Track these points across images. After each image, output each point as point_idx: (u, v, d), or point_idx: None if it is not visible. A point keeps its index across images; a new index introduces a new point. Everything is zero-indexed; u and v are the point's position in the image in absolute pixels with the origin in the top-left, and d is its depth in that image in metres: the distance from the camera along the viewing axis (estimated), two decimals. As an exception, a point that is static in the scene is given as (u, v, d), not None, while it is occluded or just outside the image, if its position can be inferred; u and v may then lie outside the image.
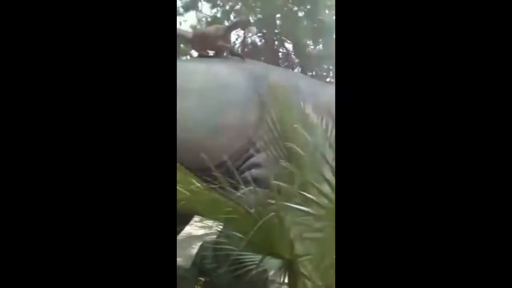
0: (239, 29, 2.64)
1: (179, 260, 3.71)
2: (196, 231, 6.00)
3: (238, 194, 1.15)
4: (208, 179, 1.16)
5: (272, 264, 1.25)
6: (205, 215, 1.13)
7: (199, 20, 7.54)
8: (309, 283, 1.15)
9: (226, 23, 5.97)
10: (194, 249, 4.72)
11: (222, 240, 1.40)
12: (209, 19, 6.72)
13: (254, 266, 1.22)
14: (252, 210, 1.09)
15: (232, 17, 7.21)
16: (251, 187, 1.16)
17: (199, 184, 1.13)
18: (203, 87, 2.10)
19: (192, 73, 2.22)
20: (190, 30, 5.46)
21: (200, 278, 2.71)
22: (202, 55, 2.48)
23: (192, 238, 5.17)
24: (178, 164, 1.15)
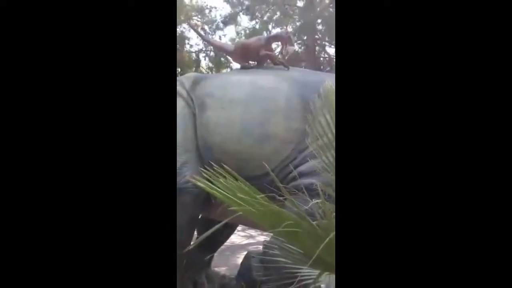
0: (279, 42, 2.61)
1: (223, 269, 3.74)
2: (239, 240, 6.02)
3: (303, 206, 1.10)
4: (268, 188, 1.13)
5: (329, 280, 1.17)
6: (264, 226, 1.10)
7: (238, 33, 7.78)
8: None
9: (265, 34, 6.06)
10: (238, 259, 4.72)
11: (275, 252, 1.35)
12: (247, 31, 6.89)
13: (311, 280, 1.15)
14: (315, 223, 1.04)
15: (270, 27, 7.31)
16: (318, 200, 1.10)
17: (258, 196, 1.10)
18: (249, 97, 2.11)
19: (237, 84, 2.25)
20: (230, 43, 5.63)
21: (247, 290, 2.68)
22: (245, 67, 2.50)
23: (235, 247, 5.19)
24: (234, 173, 1.15)
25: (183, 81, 2.50)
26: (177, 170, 2.05)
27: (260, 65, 2.51)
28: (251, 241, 6.55)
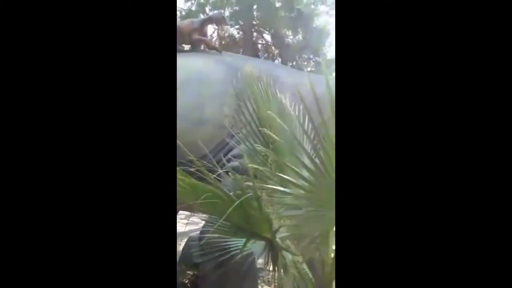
0: (213, 24, 2.59)
1: (166, 256, 3.72)
2: (182, 228, 6.00)
3: (214, 176, 1.18)
4: (191, 169, 1.18)
5: (256, 247, 1.29)
6: (186, 200, 1.15)
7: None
8: (289, 256, 1.20)
9: (202, 16, 5.89)
10: (181, 246, 4.74)
11: (207, 228, 1.42)
12: (183, 13, 6.61)
13: (238, 250, 1.25)
14: (231, 193, 1.12)
15: (207, 9, 7.11)
16: (229, 173, 1.18)
17: (179, 172, 1.15)
18: (181, 81, 2.08)
19: None
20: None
21: (189, 272, 2.73)
22: (178, 50, 2.45)
23: (178, 234, 5.17)
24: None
25: None
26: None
27: (193, 48, 2.48)
28: (194, 227, 6.56)
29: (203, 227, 1.77)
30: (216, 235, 1.27)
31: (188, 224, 6.00)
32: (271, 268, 1.25)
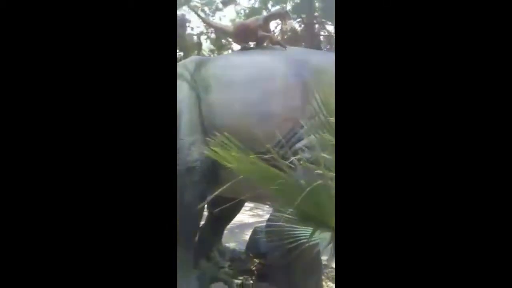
0: (277, 19, 2.62)
1: (233, 244, 3.95)
2: (247, 219, 6.24)
3: (287, 163, 1.22)
4: (264, 157, 1.24)
5: (323, 237, 1.30)
6: (262, 185, 1.21)
7: (237, 13, 7.67)
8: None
9: (265, 13, 5.98)
10: (246, 235, 4.94)
11: (274, 217, 1.47)
12: (247, 11, 6.79)
13: (305, 239, 1.28)
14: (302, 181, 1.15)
15: (270, 5, 7.18)
16: (301, 161, 1.21)
17: (253, 156, 1.19)
18: (249, 77, 2.18)
19: (238, 65, 2.32)
20: (230, 24, 5.58)
21: (255, 260, 2.86)
22: (244, 48, 2.55)
23: (243, 225, 5.41)
24: (233, 141, 1.25)
25: (187, 65, 2.57)
26: (187, 150, 2.16)
27: (259, 45, 2.55)
28: (258, 219, 6.78)
29: (270, 215, 1.83)
30: (284, 223, 1.32)
31: (252, 216, 6.21)
32: (334, 265, 1.24)
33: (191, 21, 6.62)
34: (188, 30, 6.91)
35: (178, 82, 2.49)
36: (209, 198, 1.42)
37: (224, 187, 1.28)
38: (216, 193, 1.33)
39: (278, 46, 2.44)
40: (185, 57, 6.23)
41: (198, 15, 4.08)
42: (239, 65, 2.32)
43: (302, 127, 1.95)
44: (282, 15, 2.58)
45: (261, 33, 2.43)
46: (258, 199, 2.31)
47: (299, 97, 2.01)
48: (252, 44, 2.60)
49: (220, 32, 2.96)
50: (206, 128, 2.25)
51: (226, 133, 1.24)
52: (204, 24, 6.76)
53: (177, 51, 7.11)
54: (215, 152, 1.20)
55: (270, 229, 1.42)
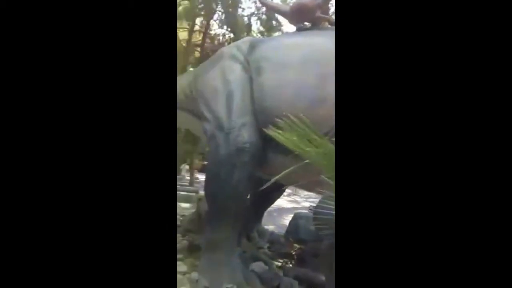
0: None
1: (271, 227, 4.01)
2: (286, 204, 6.28)
3: None
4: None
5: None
6: (320, 166, 1.18)
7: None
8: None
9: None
10: (285, 219, 4.98)
11: (324, 204, 1.44)
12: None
13: None
14: None
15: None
16: None
17: (317, 137, 1.18)
18: (303, 60, 2.11)
19: (292, 47, 2.25)
20: (274, 2, 5.41)
21: (295, 245, 2.87)
22: (300, 28, 2.46)
23: (282, 209, 5.46)
24: (298, 118, 1.19)
25: (240, 46, 2.56)
26: (237, 132, 2.19)
27: (315, 26, 2.44)
28: (296, 205, 6.80)
29: (319, 202, 1.80)
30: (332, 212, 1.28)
31: (290, 201, 6.22)
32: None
33: (243, 2, 6.56)
34: (239, 11, 6.87)
35: (231, 63, 2.50)
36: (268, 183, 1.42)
37: (284, 173, 1.27)
38: (276, 178, 1.33)
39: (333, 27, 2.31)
40: (235, 38, 6.24)
41: None
42: (293, 46, 2.25)
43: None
44: None
45: (319, 13, 2.32)
46: (307, 186, 2.28)
47: None
48: (307, 24, 2.50)
49: (276, 11, 2.88)
50: (257, 110, 2.24)
51: (294, 117, 1.20)
52: (256, 6, 6.66)
53: (228, 31, 7.14)
54: (280, 134, 1.18)
55: (319, 216, 1.39)
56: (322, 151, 1.13)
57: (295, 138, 1.15)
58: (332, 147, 1.08)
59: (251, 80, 2.35)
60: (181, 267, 2.42)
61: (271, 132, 1.22)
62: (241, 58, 2.47)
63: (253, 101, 2.28)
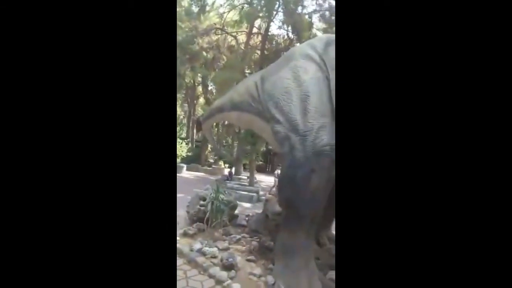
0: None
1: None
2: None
3: None
4: None
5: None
6: None
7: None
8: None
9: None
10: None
11: None
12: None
13: None
14: None
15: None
16: None
17: None
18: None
19: None
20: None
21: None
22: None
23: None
24: None
25: (315, 44, 2.46)
26: (315, 134, 2.10)
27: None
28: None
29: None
30: None
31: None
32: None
33: (304, 0, 6.43)
34: (299, 10, 6.75)
35: (304, 62, 2.42)
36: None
37: None
38: None
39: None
40: (298, 37, 6.15)
41: None
42: None
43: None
44: None
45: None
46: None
47: None
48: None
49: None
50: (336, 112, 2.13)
51: None
52: (317, 2, 6.48)
53: (290, 32, 7.08)
54: None
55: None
56: None
57: None
58: None
59: (328, 80, 2.24)
60: (254, 269, 2.43)
61: None
62: (316, 57, 2.37)
63: (331, 102, 2.17)
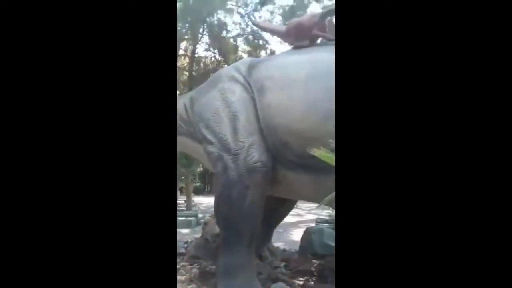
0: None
1: (280, 244, 3.94)
2: (289, 219, 6.21)
3: None
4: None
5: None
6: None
7: (272, 13, 7.68)
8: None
9: (307, 11, 5.88)
10: (292, 235, 4.91)
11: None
12: (286, 9, 6.75)
13: None
14: None
15: (306, 1, 7.10)
16: None
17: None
18: (309, 76, 2.15)
19: (295, 64, 2.30)
20: (266, 23, 5.57)
21: (314, 261, 2.82)
22: (298, 46, 2.52)
23: (286, 225, 5.39)
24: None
25: (239, 67, 2.59)
26: (246, 152, 2.18)
27: (312, 43, 2.51)
28: (300, 219, 6.73)
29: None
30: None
31: (293, 215, 6.15)
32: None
33: (228, 24, 6.75)
34: (224, 33, 7.02)
35: (231, 84, 2.52)
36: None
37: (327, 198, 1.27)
38: (325, 201, 1.32)
39: (333, 42, 2.38)
40: (225, 60, 6.34)
41: (256, 24, 4.09)
42: (296, 64, 2.30)
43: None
44: None
45: (316, 31, 2.39)
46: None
47: None
48: (306, 42, 2.55)
49: (272, 33, 2.95)
50: (264, 129, 2.25)
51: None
52: (241, 27, 6.85)
53: (216, 54, 7.27)
54: (324, 156, 1.20)
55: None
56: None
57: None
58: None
59: (253, 100, 2.36)
60: (197, 297, 2.33)
61: (317, 152, 1.23)
62: (241, 79, 2.49)
63: (258, 121, 2.28)
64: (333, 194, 1.24)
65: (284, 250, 3.40)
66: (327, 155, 1.19)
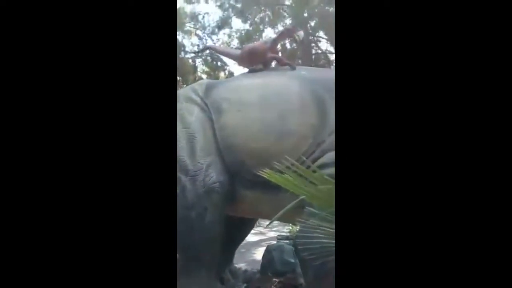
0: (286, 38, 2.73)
1: (242, 265, 3.89)
2: (251, 238, 6.15)
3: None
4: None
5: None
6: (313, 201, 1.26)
7: (229, 36, 7.92)
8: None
9: (262, 36, 6.15)
10: (254, 254, 4.87)
11: (303, 234, 1.48)
12: (242, 34, 7.01)
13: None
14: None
15: (262, 27, 7.46)
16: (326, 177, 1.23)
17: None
18: (262, 99, 2.25)
19: (249, 87, 2.39)
20: (223, 46, 5.74)
21: (275, 279, 2.82)
22: (253, 70, 2.64)
23: (248, 244, 5.34)
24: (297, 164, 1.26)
25: (196, 88, 2.62)
26: (204, 173, 2.18)
27: (266, 67, 2.64)
28: (262, 237, 6.69)
29: (299, 232, 1.83)
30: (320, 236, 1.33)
31: (255, 234, 6.12)
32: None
33: (186, 46, 6.81)
34: (182, 54, 7.06)
35: (188, 105, 2.53)
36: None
37: (283, 211, 1.30)
38: (276, 218, 1.34)
39: (286, 67, 2.54)
40: (184, 80, 6.34)
41: (213, 48, 4.16)
42: (252, 87, 2.39)
43: (320, 144, 2.02)
44: (290, 32, 2.68)
45: (270, 55, 2.53)
46: (283, 218, 2.31)
47: (316, 115, 2.08)
48: (260, 66, 2.68)
49: (227, 56, 3.05)
50: (221, 149, 2.28)
51: (288, 158, 1.28)
52: (198, 48, 6.94)
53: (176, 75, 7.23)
54: (273, 176, 1.23)
55: (309, 247, 1.43)
56: (324, 188, 1.19)
57: (291, 178, 1.22)
58: (332, 183, 1.16)
59: (211, 121, 2.39)
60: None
61: (265, 174, 1.27)
62: (198, 100, 2.52)
63: (216, 141, 2.31)
64: (283, 210, 1.29)
65: (245, 271, 3.36)
66: (275, 176, 1.25)
